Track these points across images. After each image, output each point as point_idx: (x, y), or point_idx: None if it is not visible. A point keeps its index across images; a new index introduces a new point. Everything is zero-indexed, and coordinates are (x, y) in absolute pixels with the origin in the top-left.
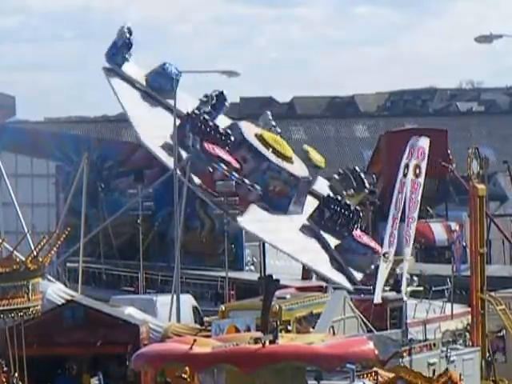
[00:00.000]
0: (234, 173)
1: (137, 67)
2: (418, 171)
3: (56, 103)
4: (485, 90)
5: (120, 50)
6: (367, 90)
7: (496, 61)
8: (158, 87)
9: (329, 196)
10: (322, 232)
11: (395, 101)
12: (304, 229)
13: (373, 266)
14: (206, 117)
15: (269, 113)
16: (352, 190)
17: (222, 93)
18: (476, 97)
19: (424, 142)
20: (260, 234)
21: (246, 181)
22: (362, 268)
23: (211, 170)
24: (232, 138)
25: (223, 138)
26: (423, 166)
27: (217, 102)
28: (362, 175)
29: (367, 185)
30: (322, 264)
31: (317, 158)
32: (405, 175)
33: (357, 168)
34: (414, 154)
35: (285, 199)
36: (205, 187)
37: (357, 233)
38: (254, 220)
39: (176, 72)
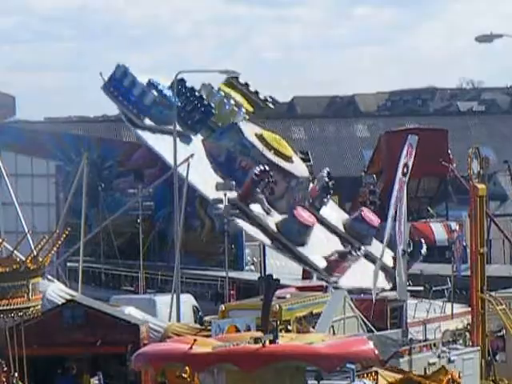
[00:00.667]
0: None
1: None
2: (405, 170)
3: (56, 103)
4: (485, 89)
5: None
6: (367, 89)
7: (496, 60)
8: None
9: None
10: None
11: (395, 100)
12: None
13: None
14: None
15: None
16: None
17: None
18: (476, 96)
19: (413, 140)
20: (259, 236)
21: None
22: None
23: None
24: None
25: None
26: (410, 164)
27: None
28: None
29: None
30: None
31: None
32: (404, 174)
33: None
34: (412, 154)
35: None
36: None
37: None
38: None
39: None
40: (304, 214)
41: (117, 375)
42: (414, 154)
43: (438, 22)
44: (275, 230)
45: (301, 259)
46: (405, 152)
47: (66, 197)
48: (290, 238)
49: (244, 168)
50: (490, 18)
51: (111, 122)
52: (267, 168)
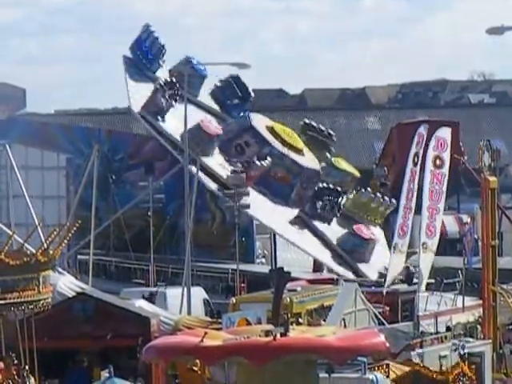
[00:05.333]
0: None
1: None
2: (438, 162)
3: (66, 96)
4: (496, 81)
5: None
6: (378, 82)
7: (508, 52)
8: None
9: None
10: (315, 222)
11: (406, 93)
12: (296, 220)
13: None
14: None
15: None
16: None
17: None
18: (487, 89)
19: (444, 133)
20: (271, 225)
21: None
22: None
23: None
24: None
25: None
26: (445, 156)
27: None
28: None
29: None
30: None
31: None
32: (415, 164)
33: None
34: (422, 144)
35: (286, 187)
36: None
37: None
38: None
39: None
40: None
41: (127, 368)
42: (423, 143)
43: (448, 14)
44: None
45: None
46: (415, 141)
47: (77, 189)
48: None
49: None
50: (501, 10)
51: (121, 115)
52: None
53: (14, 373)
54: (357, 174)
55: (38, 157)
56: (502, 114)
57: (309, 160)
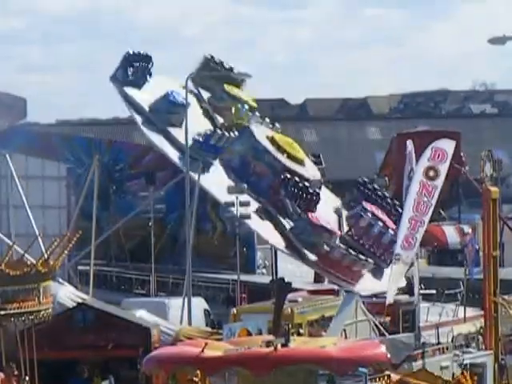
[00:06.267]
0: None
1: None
2: (432, 173)
3: (67, 105)
4: (498, 91)
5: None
6: (380, 91)
7: (509, 62)
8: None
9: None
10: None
11: (408, 103)
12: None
13: (326, 247)
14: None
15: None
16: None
17: None
18: (489, 99)
19: (445, 144)
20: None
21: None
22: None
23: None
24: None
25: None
26: (442, 168)
27: None
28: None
29: None
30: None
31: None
32: (430, 178)
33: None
34: (426, 157)
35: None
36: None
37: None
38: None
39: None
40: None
41: (128, 379)
42: (446, 157)
43: (449, 24)
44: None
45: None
46: (429, 155)
47: (77, 199)
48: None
49: (258, 174)
50: (503, 20)
51: (123, 125)
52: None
53: (15, 383)
54: (253, 104)
55: (38, 167)
56: (503, 124)
57: (310, 170)
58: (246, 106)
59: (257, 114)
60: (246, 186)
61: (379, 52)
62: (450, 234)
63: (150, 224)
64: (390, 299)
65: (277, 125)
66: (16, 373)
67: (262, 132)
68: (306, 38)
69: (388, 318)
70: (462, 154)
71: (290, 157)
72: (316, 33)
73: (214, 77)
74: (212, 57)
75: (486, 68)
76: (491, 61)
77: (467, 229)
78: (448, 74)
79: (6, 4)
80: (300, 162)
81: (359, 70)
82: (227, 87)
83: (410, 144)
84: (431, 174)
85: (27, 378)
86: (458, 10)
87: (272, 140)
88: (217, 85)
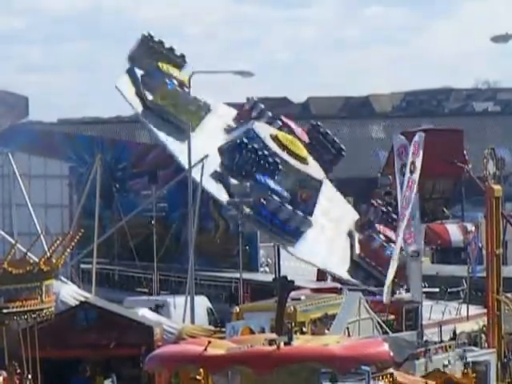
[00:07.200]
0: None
1: None
2: (412, 168)
3: (69, 104)
4: (501, 89)
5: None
6: (382, 90)
7: None
8: None
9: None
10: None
11: (411, 101)
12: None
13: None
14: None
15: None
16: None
17: None
18: (492, 97)
19: (418, 138)
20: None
21: None
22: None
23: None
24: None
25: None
26: (417, 162)
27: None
28: None
29: None
30: None
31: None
32: (411, 172)
33: None
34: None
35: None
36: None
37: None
38: None
39: None
40: None
41: (130, 377)
42: (420, 152)
43: (452, 22)
44: None
45: None
46: (411, 150)
47: (80, 198)
48: None
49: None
50: (505, 18)
51: (125, 123)
52: None
53: (17, 382)
54: (183, 80)
55: (40, 165)
56: (506, 122)
57: (314, 169)
58: (175, 82)
59: (186, 90)
60: (248, 184)
61: (380, 51)
62: (453, 232)
63: (153, 222)
64: (386, 299)
65: (278, 121)
66: (18, 371)
67: (265, 130)
68: (309, 37)
69: (392, 316)
70: (464, 152)
71: (293, 155)
72: (318, 31)
73: (151, 56)
74: (150, 35)
75: (489, 66)
76: (494, 59)
77: (470, 227)
78: (450, 73)
79: (7, 4)
80: (303, 161)
81: (361, 68)
82: (160, 64)
83: (399, 138)
84: (412, 168)
85: (30, 377)
86: (459, 9)
87: (275, 138)
88: (151, 63)
